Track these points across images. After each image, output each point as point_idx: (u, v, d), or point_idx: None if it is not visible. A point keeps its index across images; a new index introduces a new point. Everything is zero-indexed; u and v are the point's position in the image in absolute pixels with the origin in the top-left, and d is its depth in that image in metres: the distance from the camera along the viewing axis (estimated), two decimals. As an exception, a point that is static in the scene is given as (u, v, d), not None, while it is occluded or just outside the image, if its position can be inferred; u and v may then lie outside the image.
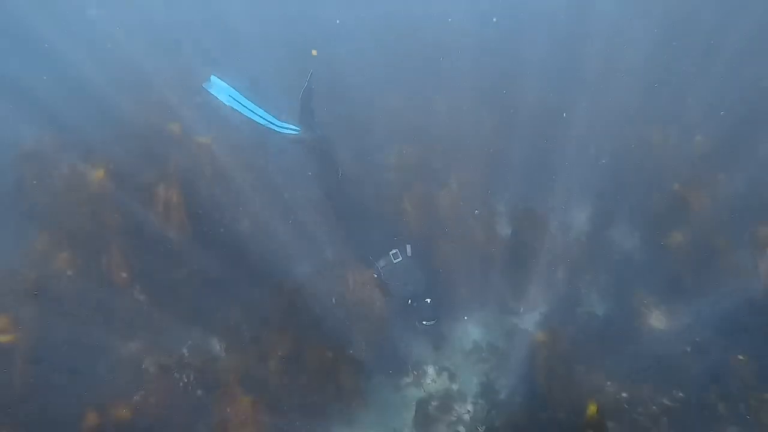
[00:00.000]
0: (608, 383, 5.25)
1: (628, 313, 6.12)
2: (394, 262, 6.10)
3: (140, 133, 6.87)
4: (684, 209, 6.59)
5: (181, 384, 5.27)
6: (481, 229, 6.86)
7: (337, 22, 11.40)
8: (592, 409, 4.75)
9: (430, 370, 6.18)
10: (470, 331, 6.62)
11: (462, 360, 6.27)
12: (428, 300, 6.00)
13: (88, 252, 5.61)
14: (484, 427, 5.39)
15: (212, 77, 6.54)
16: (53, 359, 5.12)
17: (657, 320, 5.93)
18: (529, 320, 6.57)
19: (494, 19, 10.97)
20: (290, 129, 6.44)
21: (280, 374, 5.34)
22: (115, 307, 5.61)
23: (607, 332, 6.02)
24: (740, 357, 5.01)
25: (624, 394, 5.07)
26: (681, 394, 5.01)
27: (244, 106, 6.39)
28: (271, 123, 6.41)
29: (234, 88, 6.48)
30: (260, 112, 6.40)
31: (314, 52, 8.42)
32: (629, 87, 8.43)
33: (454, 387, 5.98)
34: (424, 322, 5.97)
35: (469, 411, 5.70)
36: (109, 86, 8.46)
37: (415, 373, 6.10)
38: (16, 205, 6.05)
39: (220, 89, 6.45)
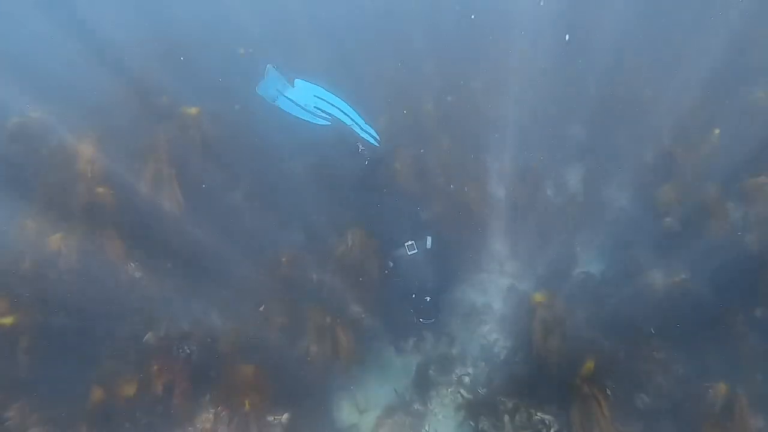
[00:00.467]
0: (606, 342, 5.35)
1: (623, 271, 6.18)
2: (409, 254, 5.80)
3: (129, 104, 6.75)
4: (674, 164, 6.58)
5: (183, 357, 5.31)
6: (474, 189, 6.84)
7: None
8: (588, 366, 4.88)
9: (429, 335, 6.27)
10: (468, 294, 6.66)
11: (461, 323, 6.34)
12: (428, 298, 5.78)
13: (82, 230, 5.58)
14: (485, 389, 5.49)
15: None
16: (55, 339, 5.16)
17: (652, 276, 5.97)
18: (526, 281, 6.61)
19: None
20: (372, 135, 6.16)
21: (280, 342, 5.40)
22: (113, 284, 5.60)
23: (604, 291, 6.08)
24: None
25: (621, 352, 5.15)
26: (677, 352, 5.08)
27: (328, 103, 6.05)
28: (356, 123, 6.08)
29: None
30: (347, 110, 6.05)
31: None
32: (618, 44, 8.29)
33: (454, 351, 6.07)
34: (421, 320, 5.86)
35: (468, 374, 5.79)
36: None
37: (414, 339, 6.17)
38: (4, 185, 5.96)
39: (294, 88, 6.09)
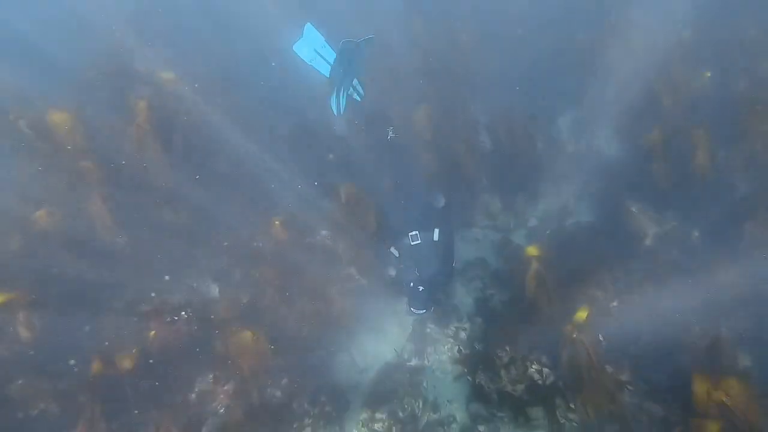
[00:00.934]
0: (599, 293, 5.40)
1: (616, 220, 6.17)
2: (412, 244, 5.64)
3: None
4: (660, 106, 6.47)
5: (181, 325, 5.35)
6: (464, 141, 6.75)
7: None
8: (581, 315, 4.94)
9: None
10: (462, 249, 6.65)
11: (457, 279, 6.37)
12: (421, 288, 5.61)
13: (69, 204, 5.52)
14: (482, 344, 5.56)
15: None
16: (54, 312, 5.18)
17: (644, 225, 5.97)
18: (519, 234, 6.60)
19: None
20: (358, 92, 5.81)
21: (276, 306, 5.44)
22: (104, 256, 5.58)
23: (596, 241, 6.09)
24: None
25: (614, 303, 5.19)
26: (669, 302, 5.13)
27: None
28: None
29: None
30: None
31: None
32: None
33: (450, 307, 6.12)
34: (412, 309, 5.72)
35: (465, 329, 5.86)
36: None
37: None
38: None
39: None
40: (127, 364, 4.81)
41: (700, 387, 3.97)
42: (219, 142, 6.31)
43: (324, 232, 6.15)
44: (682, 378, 4.18)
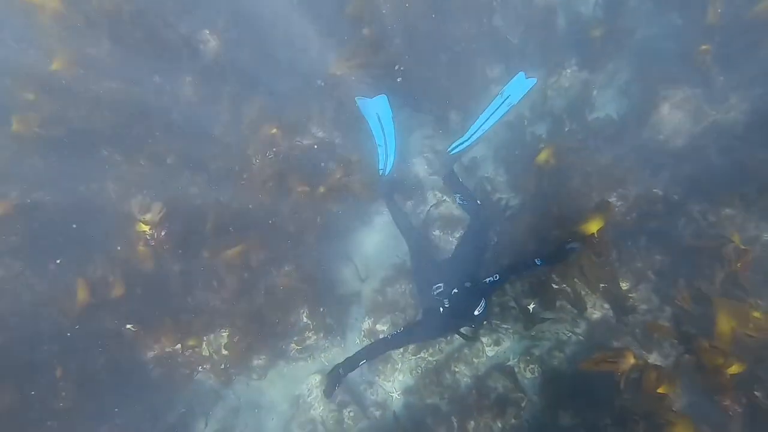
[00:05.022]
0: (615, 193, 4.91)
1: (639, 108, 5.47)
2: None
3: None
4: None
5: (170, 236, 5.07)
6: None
7: None
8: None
9: (430, 195, 5.88)
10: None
11: (465, 177, 5.86)
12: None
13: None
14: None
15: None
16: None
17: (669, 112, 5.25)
18: (534, 129, 5.90)
19: None
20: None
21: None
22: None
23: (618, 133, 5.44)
24: None
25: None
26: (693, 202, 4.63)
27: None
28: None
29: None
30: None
31: None
32: None
33: (456, 212, 5.72)
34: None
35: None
36: None
37: (412, 202, 5.81)
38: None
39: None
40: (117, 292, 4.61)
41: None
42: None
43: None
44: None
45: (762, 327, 3.68)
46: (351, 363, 4.29)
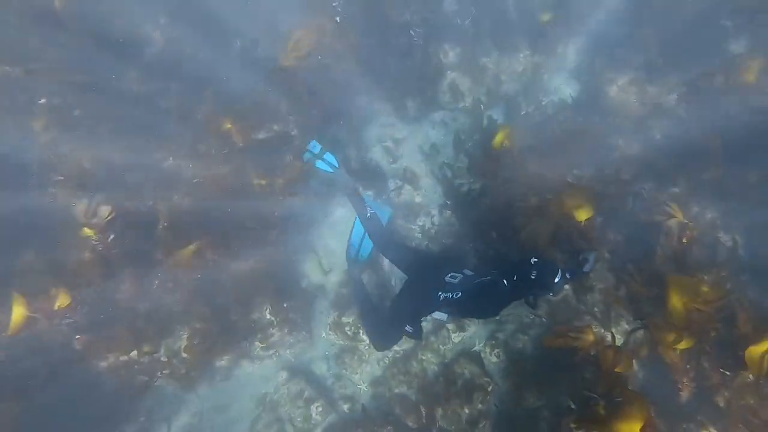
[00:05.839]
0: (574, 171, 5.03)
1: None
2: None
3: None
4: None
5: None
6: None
7: None
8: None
9: (390, 183, 5.83)
10: (428, 132, 6.03)
11: (423, 165, 5.86)
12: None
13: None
14: (451, 239, 5.26)
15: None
16: None
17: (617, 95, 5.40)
18: (490, 113, 5.94)
19: None
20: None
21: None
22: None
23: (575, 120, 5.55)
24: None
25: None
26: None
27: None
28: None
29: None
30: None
31: None
32: None
33: (417, 199, 5.70)
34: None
35: (434, 223, 5.52)
36: None
37: (374, 190, 5.74)
38: None
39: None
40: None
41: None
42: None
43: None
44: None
45: (710, 300, 3.88)
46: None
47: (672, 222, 4.49)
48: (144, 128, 5.26)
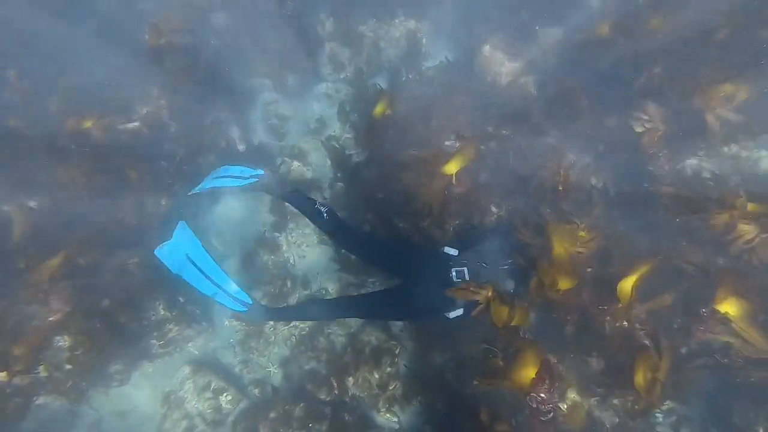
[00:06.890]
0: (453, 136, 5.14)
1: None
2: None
3: None
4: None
5: None
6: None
7: None
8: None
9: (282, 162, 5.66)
10: (312, 107, 5.91)
11: (310, 144, 5.74)
12: None
13: None
14: (344, 212, 5.23)
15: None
16: None
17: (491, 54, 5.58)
18: (373, 81, 5.92)
19: None
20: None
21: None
22: None
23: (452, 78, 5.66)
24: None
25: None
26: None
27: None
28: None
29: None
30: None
31: None
32: None
33: (309, 175, 5.59)
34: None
35: (326, 198, 5.46)
36: None
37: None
38: None
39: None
40: None
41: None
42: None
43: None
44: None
45: (587, 243, 4.20)
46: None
47: (548, 172, 4.75)
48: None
